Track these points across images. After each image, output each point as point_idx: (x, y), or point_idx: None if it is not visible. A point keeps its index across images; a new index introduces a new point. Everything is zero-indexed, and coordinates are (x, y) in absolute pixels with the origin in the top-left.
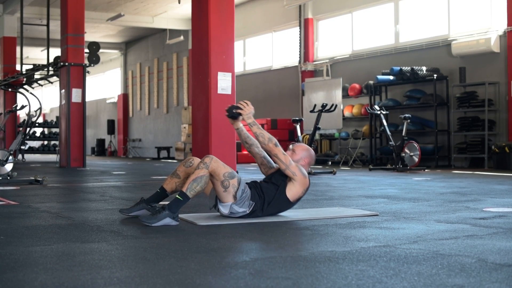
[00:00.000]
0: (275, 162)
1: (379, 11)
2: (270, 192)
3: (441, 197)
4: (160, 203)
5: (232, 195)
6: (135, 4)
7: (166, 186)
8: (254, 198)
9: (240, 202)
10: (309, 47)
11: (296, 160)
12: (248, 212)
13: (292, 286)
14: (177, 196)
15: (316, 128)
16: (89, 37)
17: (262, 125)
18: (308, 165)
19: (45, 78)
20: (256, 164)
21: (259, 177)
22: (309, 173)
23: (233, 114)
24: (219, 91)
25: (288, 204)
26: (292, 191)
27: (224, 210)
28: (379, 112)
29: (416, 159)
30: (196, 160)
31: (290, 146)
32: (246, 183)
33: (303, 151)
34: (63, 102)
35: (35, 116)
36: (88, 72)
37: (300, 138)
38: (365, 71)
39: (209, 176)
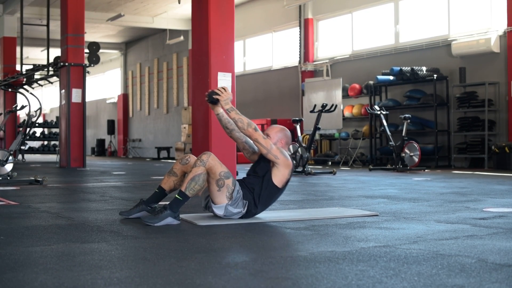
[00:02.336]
0: (256, 147)
1: (379, 11)
2: (257, 185)
3: (441, 197)
4: (160, 203)
5: (226, 196)
6: (135, 4)
7: (164, 185)
8: (246, 197)
9: (235, 203)
10: (309, 47)
11: (273, 143)
12: (244, 212)
13: (292, 286)
14: (176, 196)
15: (316, 128)
16: (89, 37)
17: (262, 125)
18: (286, 145)
19: (45, 78)
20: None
21: None
22: (309, 173)
23: (212, 99)
24: None
25: (278, 191)
26: (278, 176)
27: (219, 211)
28: (379, 112)
29: (416, 159)
30: (193, 157)
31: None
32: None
33: (277, 133)
34: (63, 102)
35: (35, 116)
36: (88, 72)
37: (300, 138)
38: (365, 71)
39: (206, 174)
